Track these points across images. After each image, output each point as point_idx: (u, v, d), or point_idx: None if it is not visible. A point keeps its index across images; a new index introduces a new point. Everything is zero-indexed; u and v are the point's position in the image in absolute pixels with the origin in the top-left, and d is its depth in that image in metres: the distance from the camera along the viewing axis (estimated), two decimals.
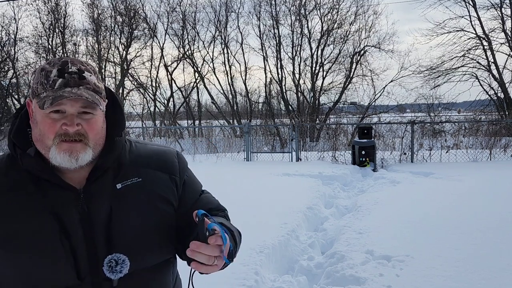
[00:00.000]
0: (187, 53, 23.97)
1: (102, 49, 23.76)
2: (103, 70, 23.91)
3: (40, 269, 1.04)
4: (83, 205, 1.07)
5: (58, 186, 1.06)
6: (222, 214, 1.28)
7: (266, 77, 23.89)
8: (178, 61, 24.51)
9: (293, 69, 23.21)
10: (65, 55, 23.32)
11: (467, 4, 19.37)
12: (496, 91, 19.83)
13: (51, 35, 22.75)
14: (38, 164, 1.05)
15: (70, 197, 1.07)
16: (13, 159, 1.10)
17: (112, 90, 1.19)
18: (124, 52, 23.88)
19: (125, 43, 23.78)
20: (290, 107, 23.50)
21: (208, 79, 24.51)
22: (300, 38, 22.88)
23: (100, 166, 1.10)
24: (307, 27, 22.75)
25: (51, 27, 22.68)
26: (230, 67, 23.76)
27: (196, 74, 24.27)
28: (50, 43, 22.81)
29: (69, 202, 1.06)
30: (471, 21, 19.52)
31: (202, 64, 24.15)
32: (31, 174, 1.07)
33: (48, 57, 22.76)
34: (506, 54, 19.56)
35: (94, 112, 1.04)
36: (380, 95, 22.18)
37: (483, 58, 19.67)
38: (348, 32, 22.27)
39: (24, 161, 1.06)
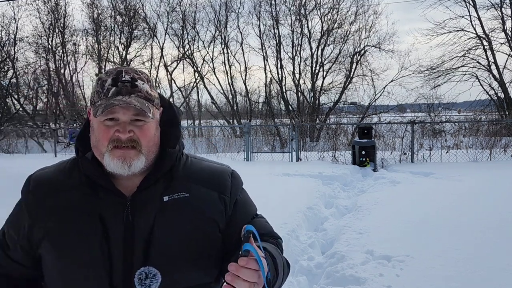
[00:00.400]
0: (187, 53, 24.00)
1: (102, 49, 23.78)
2: (102, 70, 23.91)
3: (77, 269, 1.06)
4: (128, 213, 1.08)
5: (110, 191, 1.10)
6: (274, 241, 1.19)
7: (266, 77, 23.94)
8: (178, 61, 24.54)
9: (293, 69, 23.25)
10: (65, 55, 23.34)
11: (467, 4, 19.41)
12: (496, 91, 19.86)
13: (51, 35, 22.78)
14: (94, 168, 1.10)
15: (118, 204, 1.09)
16: (77, 162, 1.16)
17: (172, 102, 1.20)
18: (124, 52, 23.91)
19: (125, 43, 23.81)
20: (290, 107, 23.51)
21: (208, 79, 24.55)
22: (300, 38, 22.91)
23: (151, 176, 1.11)
24: (307, 27, 22.80)
25: (51, 27, 22.69)
26: (230, 67, 23.81)
27: (196, 74, 24.31)
28: (50, 43, 22.82)
29: (116, 208, 1.09)
30: (471, 21, 19.57)
31: (202, 64, 24.20)
32: (89, 177, 1.12)
33: (48, 57, 22.78)
34: (506, 54, 19.60)
35: (146, 119, 1.06)
36: (380, 95, 22.23)
37: (483, 58, 19.72)
38: (348, 32, 22.31)
39: (83, 164, 1.12)
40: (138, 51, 24.28)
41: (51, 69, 23.03)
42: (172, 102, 1.20)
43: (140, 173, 1.09)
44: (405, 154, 11.26)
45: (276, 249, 1.13)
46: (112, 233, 1.07)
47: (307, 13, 22.62)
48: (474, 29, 19.56)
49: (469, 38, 19.72)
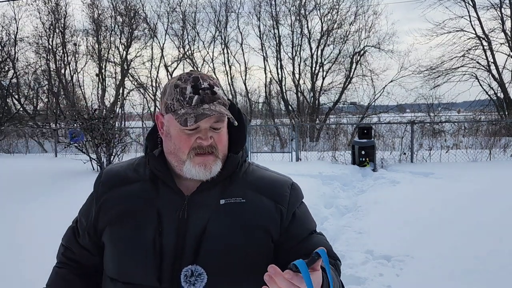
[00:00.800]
0: (187, 53, 24.03)
1: (102, 49, 23.77)
2: (103, 70, 23.93)
3: (130, 259, 1.10)
4: (184, 211, 1.11)
5: (170, 188, 1.13)
6: (332, 262, 1.14)
7: (266, 77, 23.99)
8: (178, 61, 24.56)
9: (293, 69, 23.27)
10: (65, 55, 23.35)
11: (467, 4, 19.43)
12: (496, 91, 19.88)
13: (51, 35, 22.77)
14: (160, 165, 1.15)
15: (176, 201, 1.12)
16: (145, 159, 1.22)
17: (240, 108, 1.21)
18: (124, 52, 23.91)
19: (125, 43, 23.81)
20: (290, 107, 23.53)
21: None
22: (300, 38, 22.94)
23: (211, 179, 1.12)
24: (307, 27, 22.82)
25: (51, 27, 22.69)
26: (230, 67, 23.84)
27: None
28: (50, 43, 22.82)
29: (174, 205, 1.12)
30: (471, 21, 19.59)
31: (202, 64, 24.21)
32: (153, 173, 1.17)
33: (48, 57, 22.78)
34: (505, 54, 19.62)
35: (222, 125, 1.10)
36: (380, 95, 22.26)
37: (483, 58, 19.73)
38: (348, 32, 22.33)
39: (150, 161, 1.17)
40: (138, 51, 24.31)
41: (52, 69, 23.04)
42: (240, 109, 1.21)
43: None
44: (405, 154, 11.27)
45: (334, 271, 1.08)
46: (166, 228, 1.09)
47: (307, 13, 22.65)
48: (474, 30, 19.61)
49: (469, 38, 19.77)
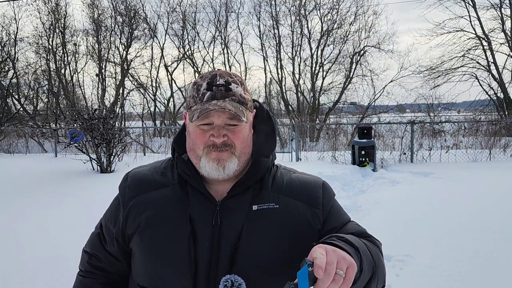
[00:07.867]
0: (187, 53, 24.04)
1: (102, 49, 23.79)
2: (103, 70, 23.94)
3: (163, 267, 1.06)
4: (217, 218, 1.08)
5: (201, 194, 1.11)
6: (366, 240, 1.10)
7: (266, 77, 24.09)
8: (178, 61, 24.57)
9: (293, 69, 23.29)
10: (65, 55, 23.36)
11: (467, 4, 19.45)
12: (496, 91, 19.89)
13: (51, 35, 22.79)
14: (188, 169, 1.12)
15: (208, 207, 1.09)
16: (171, 163, 1.20)
17: (269, 110, 1.20)
18: (124, 52, 23.93)
19: (125, 43, 23.83)
20: (290, 107, 23.55)
21: None
22: (300, 38, 22.96)
23: (242, 183, 1.10)
24: (307, 27, 22.85)
25: (51, 27, 22.71)
26: (230, 67, 23.82)
27: (196, 74, 24.30)
28: (50, 43, 22.84)
29: (206, 211, 1.09)
30: (470, 21, 19.62)
31: (202, 64, 24.25)
32: (182, 178, 1.14)
33: (48, 57, 22.79)
34: (505, 54, 19.64)
35: (239, 123, 1.06)
36: (380, 95, 22.28)
37: (482, 58, 19.75)
38: (348, 32, 22.37)
39: (179, 165, 1.15)
40: (138, 51, 24.34)
41: (52, 69, 23.05)
42: (271, 112, 1.20)
43: (231, 179, 1.10)
44: (405, 154, 11.27)
45: (363, 244, 1.01)
46: (200, 235, 1.06)
47: (307, 13, 22.67)
48: (474, 30, 19.63)
49: (469, 39, 19.79)
